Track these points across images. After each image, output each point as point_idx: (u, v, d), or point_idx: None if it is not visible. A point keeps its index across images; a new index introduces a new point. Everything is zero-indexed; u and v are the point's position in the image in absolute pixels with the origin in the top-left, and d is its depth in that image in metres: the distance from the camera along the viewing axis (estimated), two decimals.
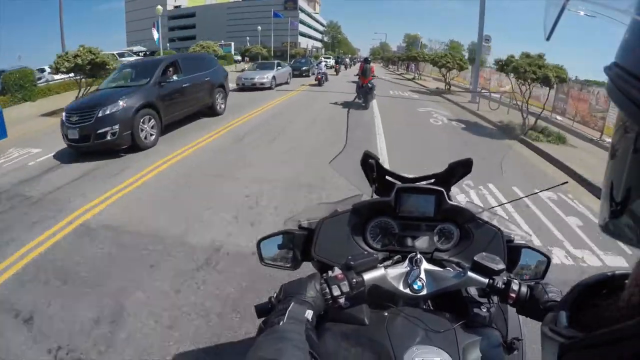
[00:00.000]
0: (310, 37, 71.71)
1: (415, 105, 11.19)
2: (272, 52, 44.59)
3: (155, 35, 17.28)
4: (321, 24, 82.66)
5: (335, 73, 24.38)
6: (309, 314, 0.72)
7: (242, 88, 13.78)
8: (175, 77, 6.61)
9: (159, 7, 17.01)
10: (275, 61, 16.75)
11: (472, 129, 7.94)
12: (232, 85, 13.73)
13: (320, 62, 19.70)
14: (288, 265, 1.15)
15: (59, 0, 15.99)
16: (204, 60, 8.35)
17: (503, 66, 8.77)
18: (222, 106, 8.61)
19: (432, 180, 1.19)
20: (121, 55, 17.89)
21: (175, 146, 5.88)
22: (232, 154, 5.53)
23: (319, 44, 78.12)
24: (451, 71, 15.36)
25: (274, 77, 14.54)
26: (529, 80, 7.48)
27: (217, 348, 2.01)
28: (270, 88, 13.97)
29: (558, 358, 0.35)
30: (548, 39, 0.40)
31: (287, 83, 16.24)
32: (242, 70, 17.63)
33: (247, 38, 44.19)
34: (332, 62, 29.42)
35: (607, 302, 0.36)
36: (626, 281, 0.33)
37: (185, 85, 6.80)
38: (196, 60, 7.92)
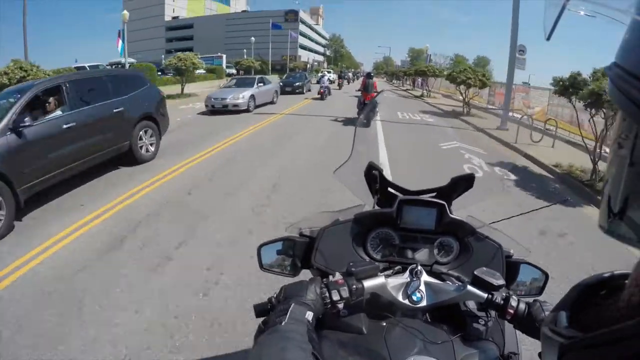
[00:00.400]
0: (311, 50, 70.58)
1: (433, 135, 8.01)
2: (269, 65, 43.10)
3: (120, 45, 15.96)
4: (324, 37, 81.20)
5: (338, 87, 24.72)
6: (309, 315, 0.74)
7: (213, 110, 11.56)
8: (51, 115, 4.34)
9: (125, 12, 15.89)
10: (257, 76, 14.25)
11: (529, 185, 5.55)
12: (200, 106, 12.36)
13: (323, 76, 19.53)
14: (287, 271, 1.17)
15: (23, 4, 15.79)
16: (123, 80, 5.67)
17: (566, 88, 6.31)
18: (150, 148, 5.95)
19: (434, 194, 1.20)
20: (80, 69, 15.65)
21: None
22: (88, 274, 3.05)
23: (320, 58, 75.85)
24: (470, 89, 13.14)
25: (252, 97, 12.28)
26: (610, 113, 5.09)
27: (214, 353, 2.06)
28: (247, 110, 11.84)
29: (558, 358, 0.36)
30: (548, 39, 0.42)
31: (272, 103, 14.31)
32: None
33: (244, 50, 42.21)
34: (333, 76, 28.82)
35: (607, 302, 0.37)
36: (626, 281, 0.34)
37: (69, 125, 4.42)
38: (102, 83, 5.24)
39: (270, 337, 0.66)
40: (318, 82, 19.98)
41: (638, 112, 0.27)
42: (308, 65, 57.20)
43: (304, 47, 64.64)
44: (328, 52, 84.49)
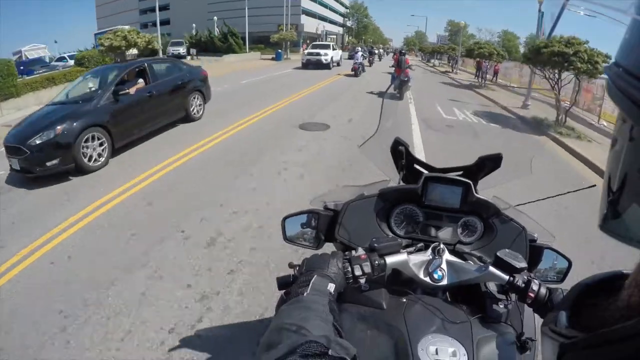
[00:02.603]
0: (323, 18, 59.34)
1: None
2: (246, 39, 34.08)
3: None
4: (343, 4, 71.18)
5: (368, 64, 25.10)
6: (331, 287, 0.80)
7: None
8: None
9: None
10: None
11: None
12: None
13: (357, 52, 20.54)
14: (310, 244, 1.29)
15: None
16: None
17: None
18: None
19: (460, 172, 1.29)
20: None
21: None
22: None
23: (337, 29, 66.22)
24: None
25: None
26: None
27: (241, 325, 2.41)
28: None
29: (558, 358, 0.38)
30: (548, 37, 0.49)
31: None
32: None
33: (215, 19, 35.42)
34: (332, 53, 24.59)
35: (607, 302, 0.39)
36: (626, 281, 0.37)
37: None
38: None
39: (291, 307, 0.72)
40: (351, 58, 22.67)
41: (638, 112, 0.28)
42: (319, 37, 48.16)
43: (311, 14, 54.40)
44: (349, 23, 74.60)
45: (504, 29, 71.10)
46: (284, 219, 1.27)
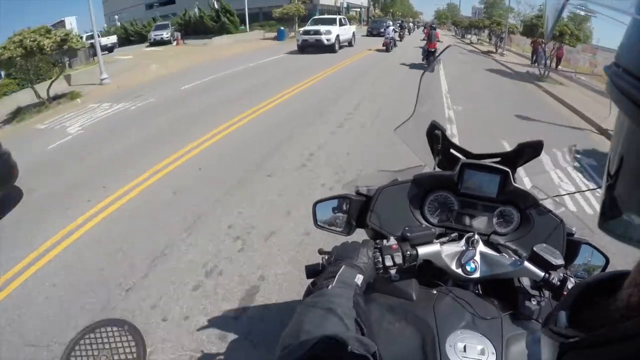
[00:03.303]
0: None
1: None
2: (246, 16, 30.30)
3: None
4: None
5: (398, 39, 24.30)
6: (359, 278, 0.81)
7: None
8: None
9: None
10: None
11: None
12: None
13: (388, 27, 20.98)
14: (341, 229, 1.31)
15: None
16: None
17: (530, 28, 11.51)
18: None
19: (498, 159, 1.28)
20: None
21: None
22: None
23: (363, 1, 59.38)
24: None
25: None
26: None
27: (264, 308, 2.54)
28: None
29: (558, 358, 0.39)
30: (547, 37, 0.48)
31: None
32: None
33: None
34: (337, 31, 20.12)
35: (608, 302, 0.40)
36: (625, 281, 0.38)
37: None
38: None
39: (314, 301, 0.73)
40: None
41: (638, 112, 0.29)
42: (339, 11, 41.91)
43: None
44: None
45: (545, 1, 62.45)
46: (315, 203, 1.30)
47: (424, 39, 15.68)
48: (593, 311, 0.42)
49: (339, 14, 43.14)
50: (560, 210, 1.22)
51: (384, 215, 1.21)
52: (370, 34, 30.13)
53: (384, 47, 18.74)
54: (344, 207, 1.29)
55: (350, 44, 20.78)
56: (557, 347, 0.39)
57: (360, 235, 1.19)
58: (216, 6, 28.23)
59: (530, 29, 15.04)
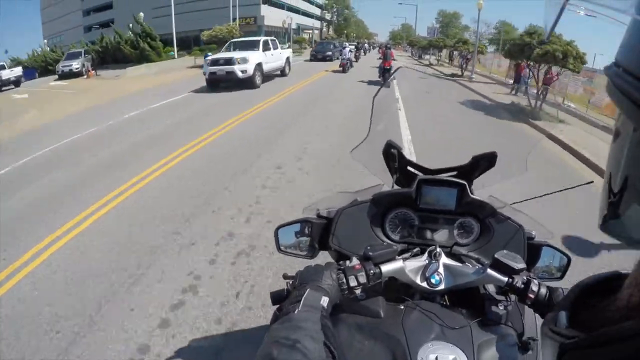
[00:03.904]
0: (294, 10, 50.15)
1: None
2: (174, 40, 27.39)
3: None
4: None
5: (354, 59, 25.46)
6: (325, 300, 0.84)
7: None
8: None
9: None
10: None
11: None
12: None
13: (344, 48, 22.40)
14: (305, 253, 1.36)
15: None
16: None
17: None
18: None
19: (455, 173, 1.36)
20: None
21: None
22: None
23: (311, 22, 57.09)
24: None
25: None
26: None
27: (230, 336, 2.45)
28: None
29: (558, 358, 0.40)
30: (547, 38, 0.54)
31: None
32: None
33: (141, 15, 27.05)
34: (260, 58, 16.89)
35: (607, 302, 0.41)
36: (625, 281, 0.39)
37: None
38: None
39: (281, 327, 0.75)
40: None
41: (638, 112, 0.29)
42: (289, 31, 38.76)
43: (276, 4, 47.61)
44: (328, 16, 65.81)
45: (501, 20, 63.13)
46: (277, 228, 1.34)
47: (380, 58, 17.44)
48: (593, 311, 0.42)
49: (286, 36, 40.00)
50: (518, 216, 1.29)
51: (345, 236, 1.25)
52: (314, 58, 27.72)
53: (341, 68, 20.16)
54: (306, 231, 1.33)
55: (283, 73, 17.40)
56: (557, 348, 0.40)
57: (324, 257, 1.27)
58: (136, 29, 24.01)
59: (521, 49, 11.55)
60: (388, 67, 14.34)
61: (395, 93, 3.74)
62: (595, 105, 11.66)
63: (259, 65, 14.01)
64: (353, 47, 29.72)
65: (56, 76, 23.79)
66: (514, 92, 14.35)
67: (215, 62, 13.56)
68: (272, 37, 16.85)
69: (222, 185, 5.14)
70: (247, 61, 13.48)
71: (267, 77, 15.48)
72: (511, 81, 15.72)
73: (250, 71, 13.50)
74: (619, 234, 0.37)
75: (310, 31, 59.00)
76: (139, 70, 22.29)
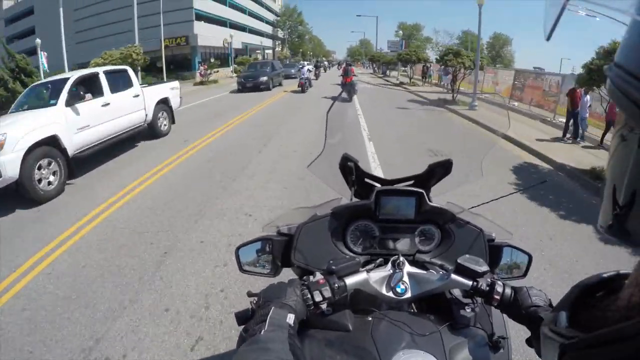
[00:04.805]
0: (239, 26, 44.82)
1: None
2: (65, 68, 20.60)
3: None
4: (273, 12, 56.91)
5: (314, 77, 27.05)
6: (291, 318, 0.86)
7: None
8: None
9: None
10: None
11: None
12: None
13: (302, 67, 22.46)
14: (267, 271, 1.39)
15: None
16: None
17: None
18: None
19: (412, 182, 1.44)
20: None
21: None
22: None
23: (263, 40, 51.33)
24: None
25: None
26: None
27: None
28: None
29: (558, 358, 0.41)
30: (548, 39, 0.47)
31: None
32: None
33: (37, 42, 19.52)
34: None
35: (607, 302, 0.42)
36: (626, 281, 0.40)
37: None
38: None
39: (248, 349, 0.76)
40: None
41: (638, 113, 0.30)
42: (229, 51, 33.02)
43: (216, 21, 40.91)
44: (281, 33, 60.69)
45: (465, 30, 60.58)
46: (238, 248, 1.36)
47: (341, 75, 18.83)
48: (593, 311, 0.43)
49: (229, 57, 33.78)
50: (477, 219, 1.35)
51: (307, 251, 1.28)
52: (243, 87, 21.23)
53: (300, 88, 20.05)
54: (267, 249, 1.36)
55: (154, 132, 9.57)
56: (557, 348, 0.40)
57: (287, 274, 1.29)
58: (10, 65, 16.50)
59: (597, 73, 7.18)
60: (349, 83, 15.36)
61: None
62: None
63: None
64: (312, 66, 32.23)
65: None
66: (566, 138, 9.47)
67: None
68: (121, 68, 8.97)
69: None
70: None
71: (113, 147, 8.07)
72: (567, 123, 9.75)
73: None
74: (621, 236, 0.37)
75: (260, 51, 53.37)
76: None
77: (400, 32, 65.37)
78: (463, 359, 0.94)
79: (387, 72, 38.38)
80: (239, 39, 43.77)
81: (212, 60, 33.69)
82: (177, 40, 34.67)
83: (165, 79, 24.35)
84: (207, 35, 36.80)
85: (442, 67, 18.66)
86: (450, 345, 0.95)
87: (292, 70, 29.91)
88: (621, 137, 0.35)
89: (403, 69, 33.55)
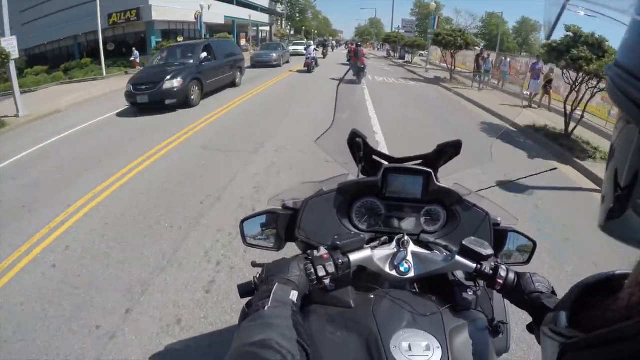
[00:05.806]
0: None
1: None
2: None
3: None
4: None
5: (322, 56, 28.88)
6: (294, 295, 0.89)
7: None
8: None
9: None
10: None
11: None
12: None
13: (309, 46, 21.65)
14: (271, 245, 1.43)
15: None
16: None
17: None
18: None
19: (420, 161, 1.46)
20: None
21: None
22: None
23: (259, 16, 43.75)
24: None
25: None
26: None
27: (205, 338, 2.57)
28: None
29: (558, 358, 0.41)
30: (548, 38, 0.52)
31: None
32: None
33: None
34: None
35: (607, 302, 0.43)
36: (626, 281, 0.40)
37: None
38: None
39: (252, 325, 0.77)
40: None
41: (638, 112, 0.30)
42: (200, 29, 25.46)
43: None
44: (280, 9, 53.54)
45: (489, 11, 53.62)
46: (242, 221, 1.39)
47: (350, 56, 18.58)
48: (593, 311, 0.44)
49: (195, 40, 23.45)
50: (483, 202, 1.38)
51: (312, 226, 1.31)
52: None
53: (306, 68, 20.38)
54: (272, 223, 1.39)
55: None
56: (557, 348, 0.41)
57: (291, 249, 1.34)
58: None
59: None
60: (362, 66, 15.02)
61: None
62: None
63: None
64: (316, 46, 34.11)
65: None
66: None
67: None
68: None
69: None
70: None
71: None
72: None
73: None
74: (620, 234, 0.38)
75: (256, 28, 46.10)
76: None
77: (417, 10, 58.82)
78: (463, 341, 0.96)
79: (407, 56, 32.10)
80: (220, 12, 32.99)
81: (180, 39, 25.88)
82: (126, 15, 26.21)
83: (104, 70, 20.49)
84: (170, 7, 27.06)
85: (534, 64, 11.77)
86: (450, 327, 0.98)
87: (274, 55, 21.82)
88: (620, 137, 0.36)
89: (421, 52, 27.30)
